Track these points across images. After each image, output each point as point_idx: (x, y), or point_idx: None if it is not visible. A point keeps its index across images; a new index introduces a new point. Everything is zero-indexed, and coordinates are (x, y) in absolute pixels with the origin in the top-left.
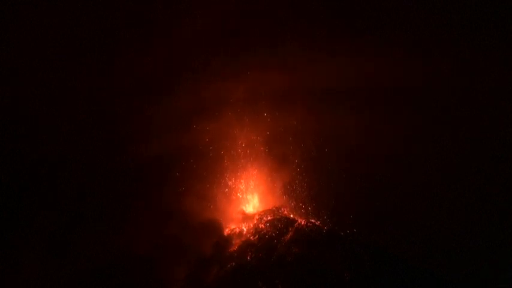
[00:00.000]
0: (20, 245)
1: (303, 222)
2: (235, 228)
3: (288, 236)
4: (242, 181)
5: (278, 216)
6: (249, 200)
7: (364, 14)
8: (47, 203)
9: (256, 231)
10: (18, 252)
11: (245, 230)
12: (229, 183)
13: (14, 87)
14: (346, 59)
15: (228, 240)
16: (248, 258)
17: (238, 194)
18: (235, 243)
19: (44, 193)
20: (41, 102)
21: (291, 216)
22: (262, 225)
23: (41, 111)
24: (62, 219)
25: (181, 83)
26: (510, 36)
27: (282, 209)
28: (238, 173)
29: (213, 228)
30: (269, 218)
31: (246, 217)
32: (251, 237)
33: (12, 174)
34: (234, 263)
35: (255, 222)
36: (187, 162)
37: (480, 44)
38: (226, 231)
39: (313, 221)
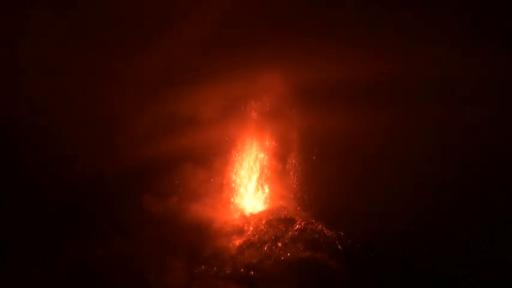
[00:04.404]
0: (12, 246)
1: (303, 223)
2: (236, 228)
3: (288, 236)
4: (242, 182)
5: (278, 216)
6: (249, 201)
7: (364, 14)
8: (41, 204)
9: (256, 231)
10: (10, 254)
11: (245, 230)
12: (230, 184)
13: (12, 88)
14: (346, 60)
15: (228, 240)
16: (248, 258)
17: (239, 195)
18: (235, 243)
19: (39, 193)
20: (37, 103)
21: (291, 216)
22: (262, 225)
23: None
24: (56, 220)
25: (179, 84)
26: (509, 35)
27: (282, 209)
28: (239, 174)
29: (213, 228)
30: (269, 218)
31: (246, 217)
32: (251, 237)
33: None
34: (234, 264)
35: (255, 222)
36: (187, 163)
37: (479, 44)
38: (227, 232)
39: (313, 221)
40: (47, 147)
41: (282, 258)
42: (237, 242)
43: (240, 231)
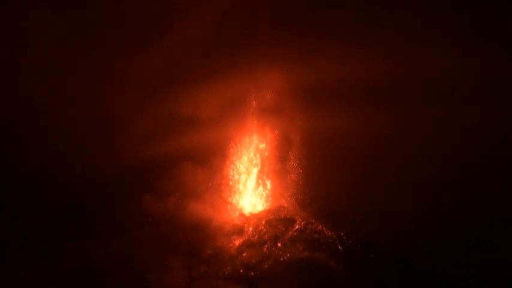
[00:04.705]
0: (12, 246)
1: (303, 223)
2: (235, 228)
3: (288, 236)
4: (242, 181)
5: (278, 216)
6: (249, 200)
7: (364, 14)
8: (41, 204)
9: (256, 231)
10: (10, 254)
11: (245, 229)
12: (230, 183)
13: (12, 88)
14: (346, 60)
15: (227, 240)
16: (248, 258)
17: (238, 195)
18: (235, 243)
19: (39, 193)
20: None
21: (291, 216)
22: (262, 225)
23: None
24: (56, 220)
25: (179, 84)
26: (509, 35)
27: (282, 209)
28: (239, 173)
29: (213, 228)
30: (269, 217)
31: (246, 217)
32: (251, 237)
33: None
34: (234, 264)
35: (255, 222)
36: (187, 163)
37: (479, 44)
38: (226, 232)
39: (313, 221)
40: (47, 147)
41: (282, 258)
42: (237, 241)
43: (239, 231)
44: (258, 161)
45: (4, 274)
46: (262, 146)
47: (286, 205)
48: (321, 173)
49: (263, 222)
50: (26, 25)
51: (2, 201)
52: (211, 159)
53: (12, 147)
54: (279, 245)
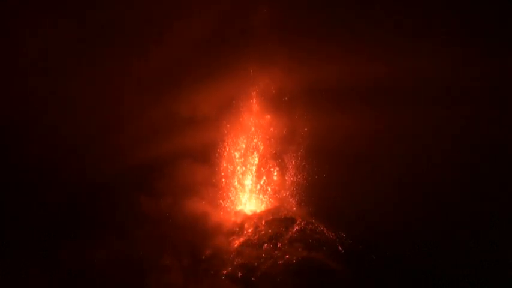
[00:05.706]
0: (12, 246)
1: (303, 223)
2: (235, 228)
3: (288, 236)
4: (242, 181)
5: (278, 216)
6: (249, 200)
7: (364, 14)
8: (41, 204)
9: (256, 231)
10: (10, 254)
11: (245, 229)
12: (229, 183)
13: (12, 88)
14: (345, 60)
15: (227, 240)
16: (248, 258)
17: (238, 194)
18: (235, 243)
19: (39, 193)
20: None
21: (291, 216)
22: (262, 225)
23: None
24: (56, 220)
25: (179, 84)
26: (506, 34)
27: (282, 209)
28: (238, 173)
29: (213, 228)
30: (269, 217)
31: (246, 217)
32: (251, 237)
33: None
34: (234, 264)
35: (255, 221)
36: (187, 164)
37: (479, 44)
38: (226, 232)
39: (313, 221)
40: (47, 147)
41: (282, 258)
42: (237, 242)
43: (239, 231)
44: (258, 161)
45: (4, 274)
46: (262, 146)
47: (286, 205)
48: (321, 173)
49: (263, 222)
50: (26, 25)
51: (2, 201)
52: (211, 160)
53: (12, 147)
54: (279, 245)
